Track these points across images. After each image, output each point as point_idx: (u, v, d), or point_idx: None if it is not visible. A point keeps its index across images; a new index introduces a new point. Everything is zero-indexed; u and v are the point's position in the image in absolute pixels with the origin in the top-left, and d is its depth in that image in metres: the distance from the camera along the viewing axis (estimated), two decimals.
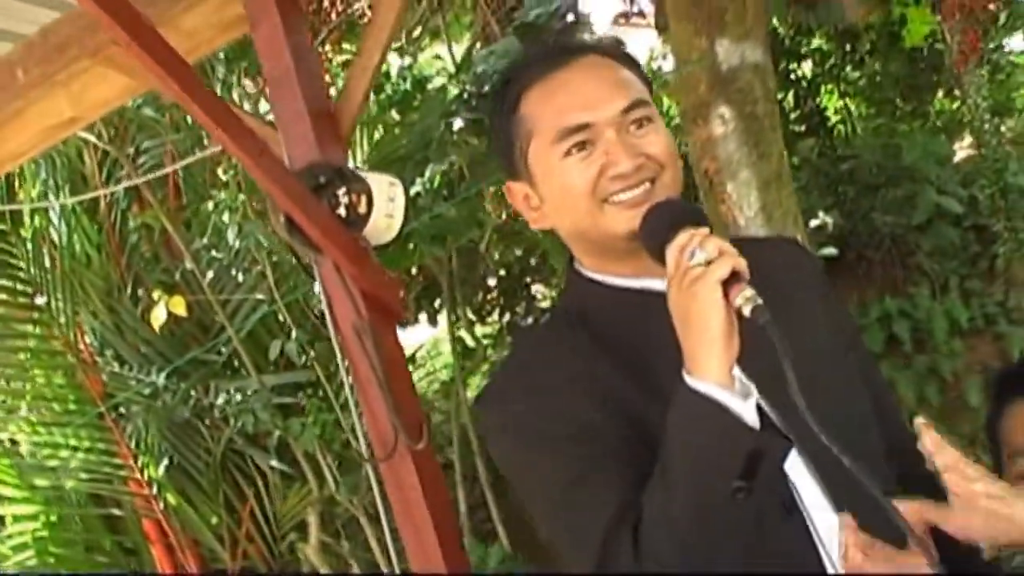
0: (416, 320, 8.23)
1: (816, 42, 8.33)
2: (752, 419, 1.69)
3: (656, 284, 1.89)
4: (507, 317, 8.53)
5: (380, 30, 3.27)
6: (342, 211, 3.10)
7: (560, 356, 1.96)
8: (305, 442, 5.53)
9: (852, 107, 8.76)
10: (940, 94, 8.56)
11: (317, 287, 3.29)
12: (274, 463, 5.91)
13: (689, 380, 1.69)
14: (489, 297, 8.46)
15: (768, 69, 4.39)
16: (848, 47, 8.06)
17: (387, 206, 3.18)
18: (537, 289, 8.80)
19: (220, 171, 5.83)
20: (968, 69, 7.08)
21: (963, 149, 8.85)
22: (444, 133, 4.81)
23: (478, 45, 7.11)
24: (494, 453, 2.07)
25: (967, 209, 7.86)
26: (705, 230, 1.73)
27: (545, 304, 8.55)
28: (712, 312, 1.67)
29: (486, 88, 4.77)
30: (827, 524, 1.87)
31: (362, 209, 3.13)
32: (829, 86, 8.69)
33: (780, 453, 1.76)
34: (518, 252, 8.26)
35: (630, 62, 1.98)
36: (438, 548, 3.17)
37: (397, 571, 5.37)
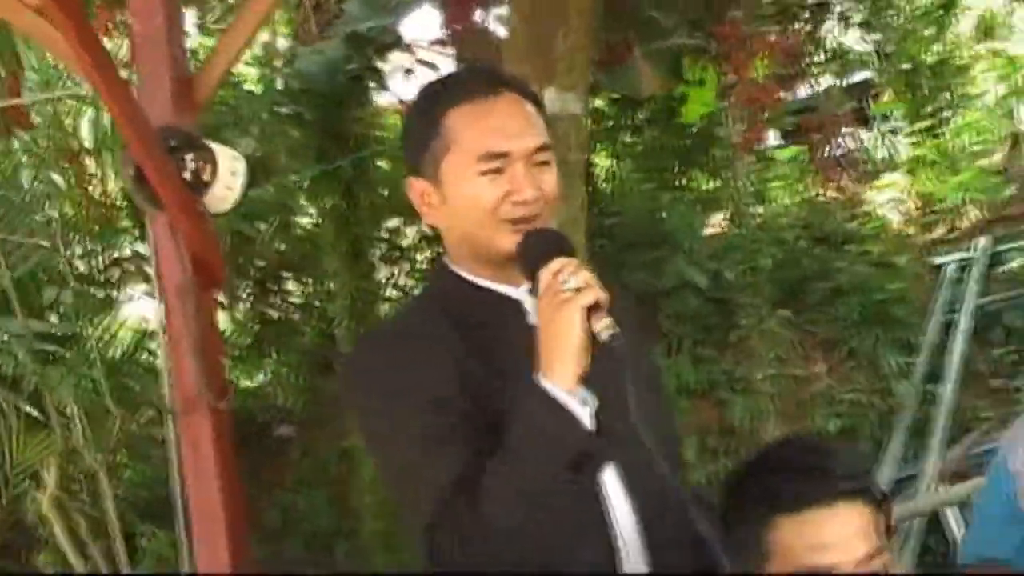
0: None
1: (598, 102, 8.82)
2: (587, 423, 2.02)
3: (513, 292, 2.27)
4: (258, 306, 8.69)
5: (254, 9, 3.45)
6: (187, 175, 3.28)
7: (426, 336, 2.26)
8: (60, 392, 5.56)
9: (623, 170, 9.29)
10: (704, 172, 9.15)
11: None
12: (26, 408, 5.89)
13: (542, 381, 2.01)
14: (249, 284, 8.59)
15: (583, 121, 4.73)
16: (629, 112, 8.56)
17: (229, 179, 3.37)
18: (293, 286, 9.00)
19: (33, 113, 5.81)
20: (738, 155, 7.76)
21: (713, 227, 9.52)
22: (268, 120, 4.98)
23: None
24: (355, 406, 2.33)
25: (711, 282, 8.48)
26: (576, 261, 2.06)
27: (296, 300, 8.82)
28: (572, 331, 2.00)
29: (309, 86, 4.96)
30: (628, 524, 2.23)
31: (206, 177, 3.31)
32: (605, 144, 9.22)
33: (603, 455, 2.13)
34: (283, 247, 8.42)
35: (539, 106, 2.30)
36: (221, 506, 3.36)
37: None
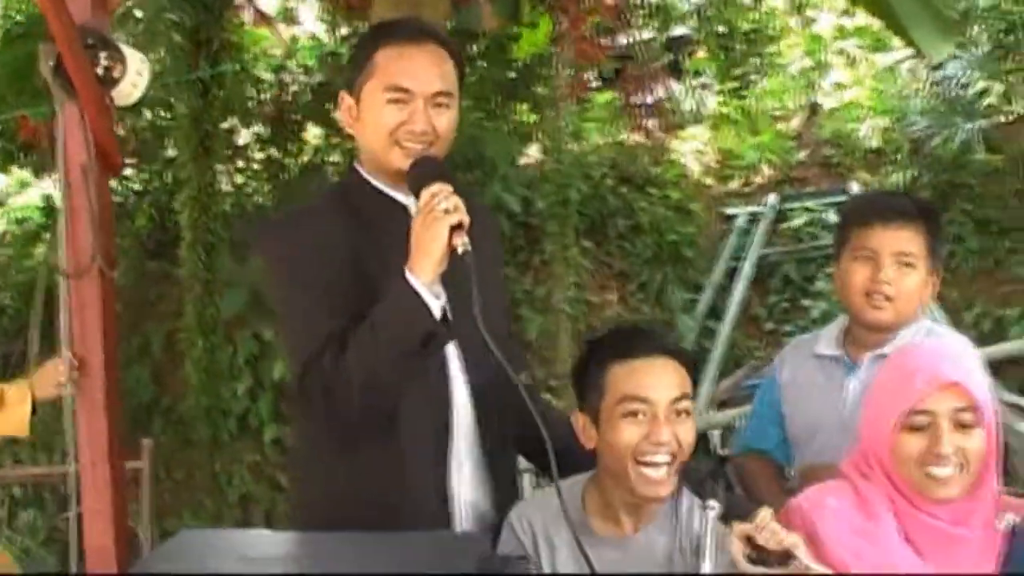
0: None
1: None
2: (437, 312, 2.62)
3: (402, 198, 2.85)
4: None
5: None
6: (100, 71, 3.75)
7: (327, 220, 2.85)
8: None
9: None
10: (526, 107, 9.70)
11: None
12: None
13: (408, 275, 2.61)
14: None
15: None
16: (464, 46, 9.04)
17: (135, 78, 3.81)
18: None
19: None
20: (561, 97, 8.37)
21: (528, 158, 10.11)
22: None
23: None
24: (265, 266, 2.98)
25: (523, 208, 9.11)
26: (450, 188, 2.69)
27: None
28: (437, 242, 2.60)
29: None
30: (462, 393, 2.87)
31: (116, 74, 3.76)
32: None
33: (446, 338, 2.72)
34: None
35: (457, 59, 2.91)
36: (102, 370, 3.84)
37: None
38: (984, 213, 9.72)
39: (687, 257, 9.91)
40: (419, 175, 2.72)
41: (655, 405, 2.66)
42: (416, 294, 2.60)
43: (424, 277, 2.60)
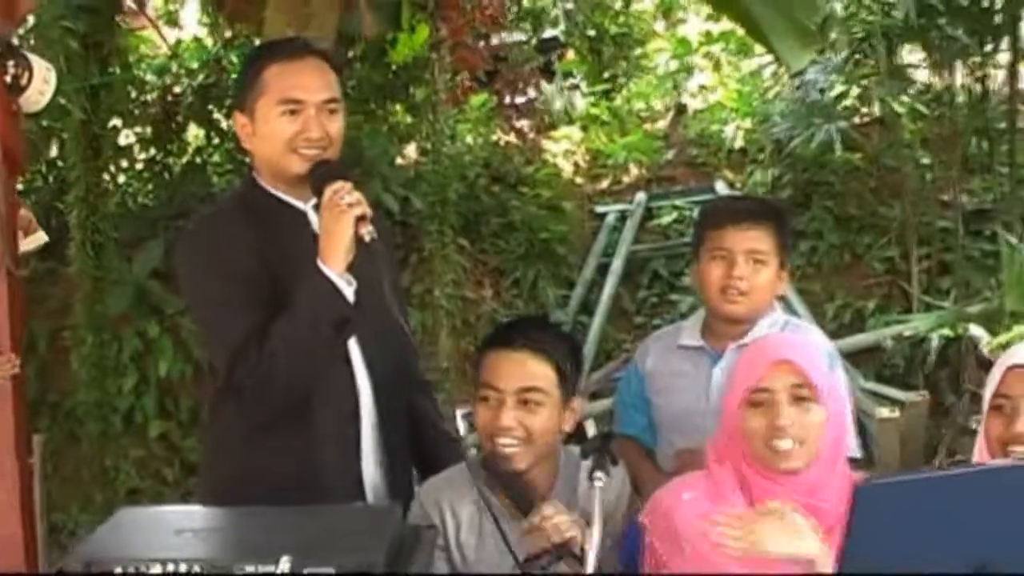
0: None
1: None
2: (350, 297, 2.93)
3: (301, 204, 3.15)
4: None
5: None
6: (8, 79, 3.91)
7: (238, 224, 3.14)
8: None
9: None
10: (403, 108, 9.91)
11: None
12: None
13: (321, 265, 2.89)
14: None
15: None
16: (344, 49, 9.20)
17: (42, 85, 3.97)
18: None
19: None
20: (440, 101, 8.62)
21: (406, 158, 10.30)
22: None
23: None
24: (182, 272, 3.24)
25: (401, 207, 9.31)
26: (351, 185, 2.96)
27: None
28: (345, 233, 2.90)
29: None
30: (366, 389, 3.20)
31: (23, 82, 3.92)
32: None
33: (358, 321, 3.03)
34: None
35: (335, 68, 3.17)
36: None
37: None
38: (844, 210, 10.06)
39: (559, 254, 10.13)
40: (320, 176, 3.02)
41: (503, 392, 3.04)
42: (330, 281, 2.88)
43: (336, 266, 2.91)
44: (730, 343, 3.69)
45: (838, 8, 9.04)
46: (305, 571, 2.18)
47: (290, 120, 3.08)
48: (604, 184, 11.34)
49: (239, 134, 3.23)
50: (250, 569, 2.18)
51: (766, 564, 2.68)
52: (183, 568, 2.18)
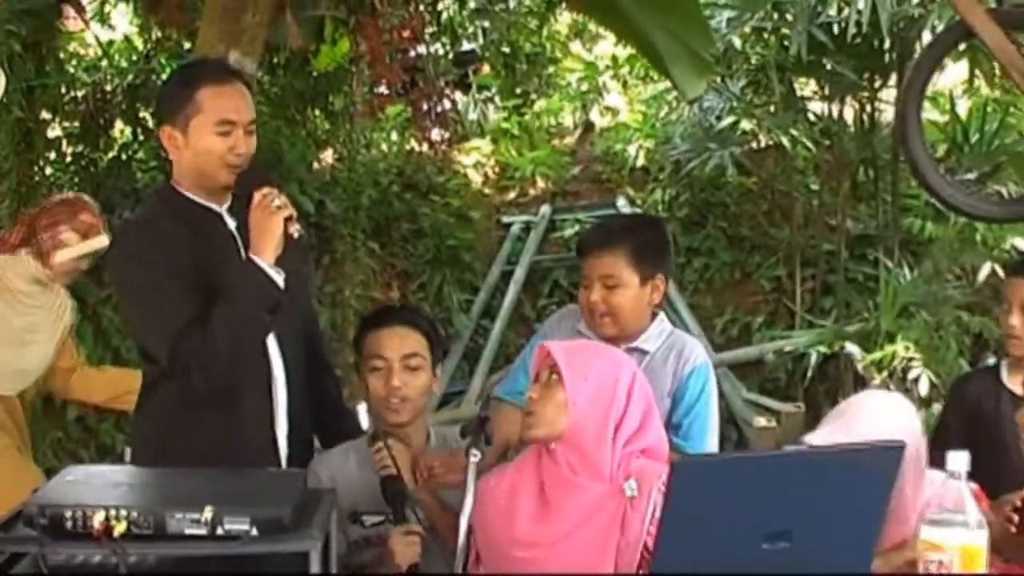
0: None
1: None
2: (281, 284, 3.41)
3: (215, 207, 3.66)
4: None
5: None
6: None
7: (166, 224, 3.59)
8: None
9: (258, 105, 10.10)
10: (322, 116, 10.27)
11: None
12: None
13: (254, 257, 3.37)
14: None
15: (254, 80, 5.80)
16: (268, 58, 9.53)
17: None
18: None
19: None
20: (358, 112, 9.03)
21: (322, 164, 10.64)
22: None
23: None
24: (119, 270, 3.71)
25: (317, 210, 9.65)
26: (276, 190, 3.44)
27: None
28: (276, 230, 3.40)
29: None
30: (280, 374, 3.67)
31: None
32: None
33: (287, 308, 3.52)
34: None
35: (252, 90, 3.65)
36: None
37: None
38: (737, 230, 10.63)
39: (465, 260, 10.57)
40: (249, 182, 3.50)
41: (390, 360, 3.71)
42: (264, 271, 3.34)
43: (268, 259, 3.38)
44: (622, 345, 3.87)
45: (736, 41, 9.45)
46: (224, 519, 2.64)
47: (224, 139, 3.54)
48: (511, 195, 11.72)
49: (166, 146, 3.67)
50: (179, 515, 2.64)
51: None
52: (123, 513, 2.63)
